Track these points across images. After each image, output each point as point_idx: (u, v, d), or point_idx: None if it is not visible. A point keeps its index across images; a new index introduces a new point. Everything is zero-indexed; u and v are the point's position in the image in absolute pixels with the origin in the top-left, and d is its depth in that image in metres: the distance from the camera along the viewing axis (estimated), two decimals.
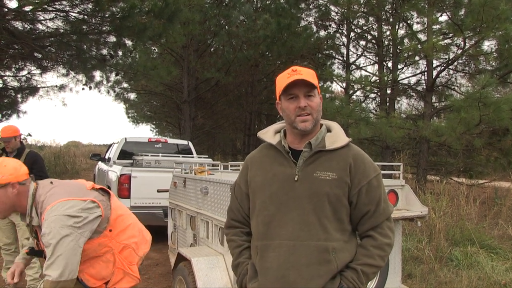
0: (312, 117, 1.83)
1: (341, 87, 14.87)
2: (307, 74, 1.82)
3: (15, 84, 12.04)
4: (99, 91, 14.67)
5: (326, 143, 1.87)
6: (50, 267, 2.18)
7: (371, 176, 1.85)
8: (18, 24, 9.60)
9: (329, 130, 1.97)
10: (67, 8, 9.04)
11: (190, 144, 9.59)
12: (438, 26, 11.14)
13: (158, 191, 6.17)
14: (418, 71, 13.45)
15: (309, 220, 1.78)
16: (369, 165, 1.88)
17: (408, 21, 12.46)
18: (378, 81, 12.45)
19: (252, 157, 2.05)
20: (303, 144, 1.88)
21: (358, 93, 14.56)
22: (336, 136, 1.91)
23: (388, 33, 13.22)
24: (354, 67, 15.05)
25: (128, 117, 27.43)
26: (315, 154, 1.86)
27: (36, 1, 8.11)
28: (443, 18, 11.79)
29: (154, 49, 15.39)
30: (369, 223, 1.86)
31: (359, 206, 1.84)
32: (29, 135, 14.53)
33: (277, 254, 1.80)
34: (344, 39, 15.05)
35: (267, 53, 16.07)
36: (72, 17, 9.22)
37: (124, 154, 8.68)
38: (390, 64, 13.30)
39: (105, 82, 14.18)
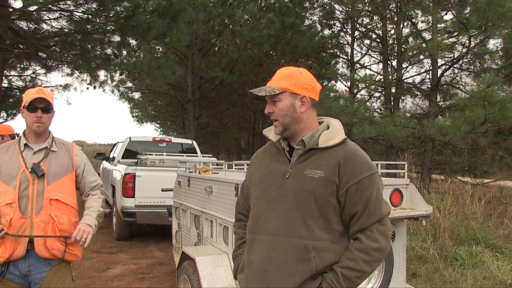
0: (279, 122, 1.88)
1: (345, 86, 14.83)
2: (275, 79, 1.91)
3: (20, 83, 12.13)
4: (104, 91, 14.72)
5: (320, 140, 1.86)
6: (100, 179, 2.86)
7: (362, 176, 1.78)
8: (23, 24, 9.66)
9: (328, 128, 1.97)
10: (72, 8, 9.07)
11: (195, 143, 9.60)
12: (443, 25, 11.08)
13: (163, 190, 6.18)
14: (422, 70, 13.44)
15: (293, 217, 1.79)
16: (361, 164, 1.81)
17: (413, 20, 12.42)
18: (382, 80, 12.41)
19: (257, 154, 2.12)
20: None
21: (363, 92, 14.52)
22: (332, 134, 1.88)
23: (392, 32, 13.18)
24: (358, 66, 15.02)
25: (133, 116, 27.50)
26: (308, 151, 1.86)
27: (41, 1, 8.14)
28: (448, 16, 11.76)
29: (159, 49, 15.40)
30: (358, 225, 1.79)
31: (347, 206, 1.79)
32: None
33: (260, 248, 1.84)
34: (349, 38, 15.00)
35: (272, 52, 16.02)
36: (77, 16, 9.25)
37: (129, 153, 8.70)
38: (394, 63, 13.25)
39: (109, 82, 14.21)
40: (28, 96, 2.57)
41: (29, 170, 2.53)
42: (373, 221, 1.78)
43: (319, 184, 1.78)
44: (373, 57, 15.40)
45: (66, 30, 9.55)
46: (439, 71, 11.51)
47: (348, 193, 1.78)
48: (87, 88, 13.19)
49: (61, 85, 13.03)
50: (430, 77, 11.99)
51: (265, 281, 1.80)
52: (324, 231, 1.78)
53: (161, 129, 32.06)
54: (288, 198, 1.82)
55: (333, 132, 1.89)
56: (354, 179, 1.77)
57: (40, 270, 2.51)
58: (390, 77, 11.88)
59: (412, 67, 13.72)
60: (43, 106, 2.58)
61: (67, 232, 2.57)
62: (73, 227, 2.61)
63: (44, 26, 9.86)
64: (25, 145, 2.62)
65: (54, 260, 2.54)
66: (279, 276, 1.77)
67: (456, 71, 12.73)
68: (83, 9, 9.14)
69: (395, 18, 12.73)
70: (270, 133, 2.03)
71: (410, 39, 12.39)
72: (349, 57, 14.92)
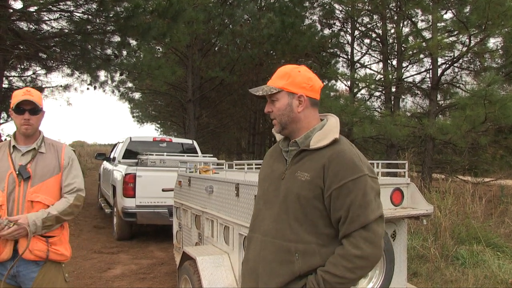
0: (277, 121, 1.88)
1: (345, 85, 14.84)
2: (273, 78, 1.91)
3: (21, 84, 12.09)
4: (104, 91, 14.68)
5: (311, 141, 1.82)
6: (80, 183, 2.70)
7: (346, 180, 1.71)
8: (23, 25, 9.64)
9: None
10: (72, 8, 9.05)
11: (195, 143, 9.60)
12: (443, 24, 11.09)
13: (163, 190, 6.18)
14: (423, 69, 13.45)
15: (281, 219, 1.81)
16: (346, 167, 1.73)
17: (413, 19, 12.42)
18: (382, 79, 12.40)
19: (267, 152, 2.13)
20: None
21: (363, 91, 14.54)
22: (325, 133, 1.82)
23: (392, 31, 13.18)
24: (358, 65, 15.02)
25: (133, 116, 27.49)
26: (301, 153, 1.85)
27: (41, 2, 8.13)
28: (448, 15, 11.74)
29: (159, 49, 15.40)
30: (342, 230, 1.73)
31: (332, 211, 1.75)
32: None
33: (254, 247, 1.90)
34: (349, 38, 15.02)
35: (272, 52, 16.03)
36: (77, 17, 9.23)
37: (129, 154, 8.70)
38: (394, 62, 13.25)
39: (109, 82, 14.21)
40: (15, 98, 2.53)
41: (16, 172, 2.51)
42: (357, 227, 1.70)
43: (304, 187, 1.76)
44: (373, 56, 15.42)
45: (66, 31, 9.53)
46: (439, 70, 11.52)
47: (331, 197, 1.73)
48: (88, 89, 13.19)
49: (61, 86, 13.01)
50: (430, 76, 12.00)
51: (256, 280, 1.84)
52: (311, 234, 1.76)
53: (162, 129, 32.10)
54: (280, 199, 1.83)
55: (326, 132, 1.83)
56: (337, 183, 1.72)
57: (29, 270, 2.50)
58: (390, 76, 11.88)
59: (412, 66, 13.75)
60: (31, 108, 2.55)
61: (49, 233, 2.55)
62: (56, 229, 2.60)
63: (44, 26, 9.85)
64: (14, 147, 2.60)
65: (42, 261, 2.52)
66: (265, 275, 1.80)
67: (456, 70, 12.75)
68: (83, 10, 9.12)
69: (395, 17, 12.73)
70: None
71: (410, 38, 12.40)
72: (349, 57, 14.93)
